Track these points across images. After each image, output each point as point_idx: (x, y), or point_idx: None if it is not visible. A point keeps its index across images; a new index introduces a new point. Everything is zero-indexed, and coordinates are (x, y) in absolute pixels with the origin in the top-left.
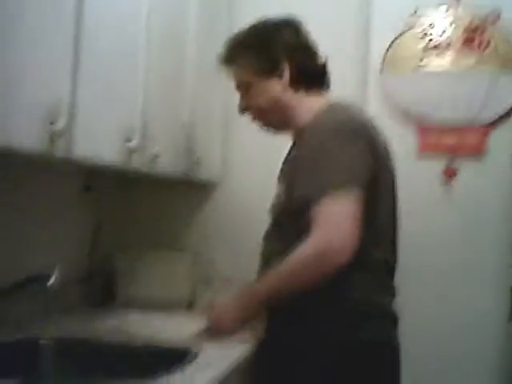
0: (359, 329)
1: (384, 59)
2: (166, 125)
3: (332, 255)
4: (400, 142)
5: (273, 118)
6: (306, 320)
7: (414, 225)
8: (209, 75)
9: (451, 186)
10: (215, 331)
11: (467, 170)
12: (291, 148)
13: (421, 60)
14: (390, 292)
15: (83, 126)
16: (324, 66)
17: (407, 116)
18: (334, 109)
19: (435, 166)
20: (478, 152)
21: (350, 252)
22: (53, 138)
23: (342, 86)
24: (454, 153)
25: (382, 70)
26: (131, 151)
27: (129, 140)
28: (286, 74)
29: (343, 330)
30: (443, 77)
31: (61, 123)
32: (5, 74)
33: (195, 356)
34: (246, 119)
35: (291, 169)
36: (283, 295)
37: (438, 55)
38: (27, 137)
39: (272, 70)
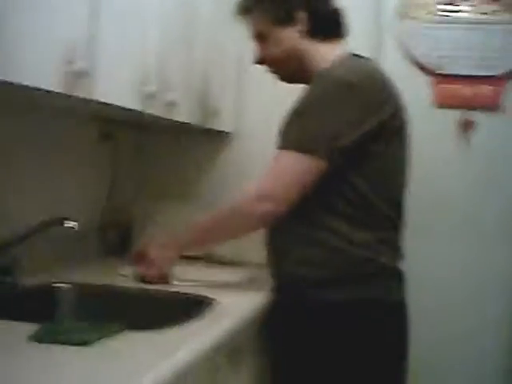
0: (365, 287)
1: (399, 8)
2: (182, 73)
3: (268, 211)
4: (416, 94)
5: (289, 67)
6: (312, 280)
7: (429, 178)
8: (224, 25)
9: (467, 139)
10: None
11: (483, 122)
12: None
13: (437, 9)
14: (395, 249)
15: (101, 68)
16: (340, 15)
17: (423, 67)
18: (340, 62)
19: (451, 118)
20: (494, 104)
21: (283, 209)
22: (70, 78)
23: (357, 36)
24: (470, 105)
25: (397, 19)
26: (148, 96)
27: (145, 85)
28: (302, 23)
29: (351, 287)
30: (459, 26)
31: (79, 65)
32: (21, 12)
33: (212, 304)
34: (261, 71)
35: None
36: (209, 243)
37: (453, 4)
38: (45, 77)
39: (287, 19)
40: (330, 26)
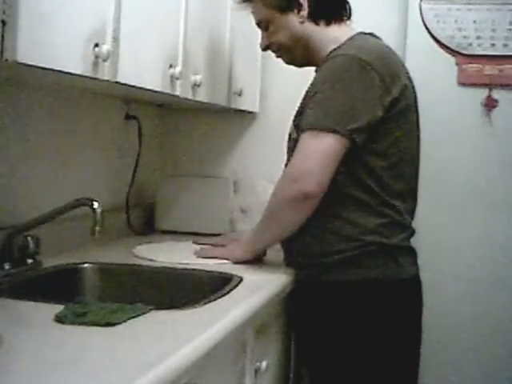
0: (379, 267)
1: None
2: (207, 54)
3: (299, 190)
4: (441, 74)
5: (296, 53)
6: (325, 264)
7: (452, 156)
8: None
9: (491, 117)
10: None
11: (507, 101)
12: None
13: None
14: (408, 228)
15: (127, 50)
16: None
17: (448, 47)
18: (352, 41)
19: (475, 97)
20: None
21: (315, 188)
22: (97, 61)
23: (383, 18)
24: (494, 84)
25: (422, 1)
26: (174, 78)
27: (171, 66)
28: (305, 8)
29: (365, 269)
30: (483, 7)
31: (106, 47)
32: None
33: (238, 282)
34: None
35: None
36: (274, 238)
37: None
38: (72, 60)
39: (290, 5)
40: (332, 9)
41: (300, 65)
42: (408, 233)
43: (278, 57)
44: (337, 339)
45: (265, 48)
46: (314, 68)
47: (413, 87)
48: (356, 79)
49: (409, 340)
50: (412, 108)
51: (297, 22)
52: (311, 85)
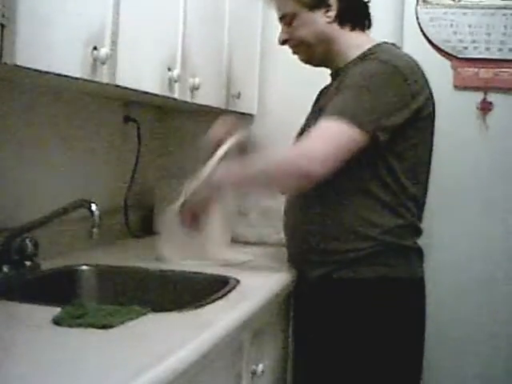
0: (390, 267)
1: None
2: (206, 57)
3: (303, 167)
4: (436, 76)
5: (316, 51)
6: (339, 262)
7: (448, 159)
8: (247, 9)
9: (486, 120)
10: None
11: (502, 105)
12: (331, 82)
13: None
14: (418, 230)
15: (126, 53)
16: (368, 5)
17: (444, 51)
18: (381, 48)
19: (471, 100)
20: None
21: (318, 170)
22: (96, 64)
23: (379, 22)
24: (489, 87)
25: (418, 3)
26: (172, 80)
27: (170, 69)
28: (334, 9)
29: (377, 267)
30: (478, 11)
31: (104, 50)
32: (48, 0)
33: (235, 285)
34: (282, 55)
35: (330, 99)
36: (250, 189)
37: None
38: (71, 64)
39: (320, 3)
40: (358, 15)
41: (316, 64)
42: (419, 235)
43: (294, 53)
44: (349, 336)
45: (283, 42)
46: (314, 70)
47: (432, 97)
48: (388, 83)
49: (417, 338)
50: (431, 118)
51: (323, 21)
52: (348, 78)
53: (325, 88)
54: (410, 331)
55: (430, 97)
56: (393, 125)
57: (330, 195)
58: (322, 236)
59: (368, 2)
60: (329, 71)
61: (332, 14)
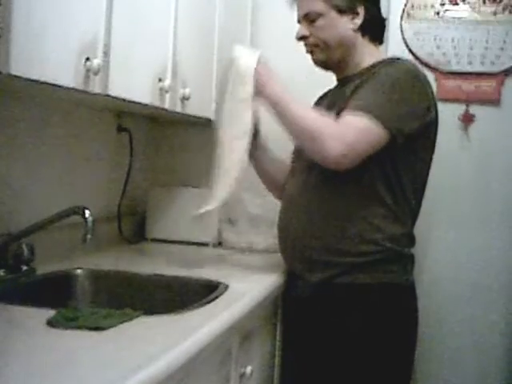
0: (387, 273)
1: (405, 6)
2: (196, 68)
3: (329, 149)
4: None
5: (334, 54)
6: (340, 267)
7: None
8: (238, 20)
9: (468, 131)
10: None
11: (483, 116)
12: (340, 88)
13: (441, 8)
14: (413, 239)
15: (118, 64)
16: (385, 23)
17: (427, 64)
18: (398, 59)
19: (454, 112)
20: (493, 99)
21: (340, 151)
22: (88, 74)
23: None
24: (471, 99)
25: (402, 17)
26: (163, 91)
27: (161, 80)
28: (360, 17)
29: (374, 273)
30: (461, 26)
31: (96, 61)
32: (42, 11)
33: (226, 289)
34: (272, 65)
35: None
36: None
37: (457, 4)
38: (64, 74)
39: (349, 9)
40: (379, 29)
41: (329, 67)
42: (414, 244)
43: (308, 51)
44: (349, 341)
45: (301, 38)
46: (308, 80)
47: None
48: (413, 89)
49: (412, 344)
50: (436, 130)
51: (348, 27)
52: (378, 75)
53: (324, 94)
54: (406, 336)
55: (437, 111)
56: (409, 130)
57: (335, 198)
58: (326, 239)
59: (386, 19)
60: (327, 76)
61: (358, 21)
